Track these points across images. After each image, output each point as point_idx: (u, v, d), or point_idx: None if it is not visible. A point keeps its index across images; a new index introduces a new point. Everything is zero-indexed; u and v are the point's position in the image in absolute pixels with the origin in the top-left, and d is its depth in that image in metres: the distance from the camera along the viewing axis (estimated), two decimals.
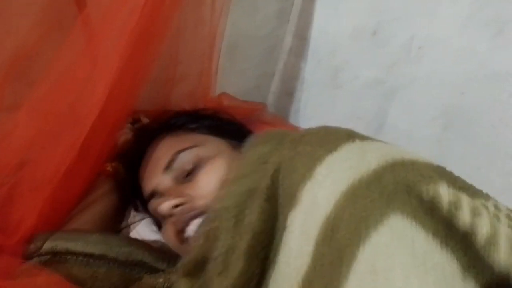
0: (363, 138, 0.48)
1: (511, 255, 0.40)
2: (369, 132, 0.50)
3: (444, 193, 0.43)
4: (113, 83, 0.52)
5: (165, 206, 0.53)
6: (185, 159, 0.57)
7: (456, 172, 0.55)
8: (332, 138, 0.47)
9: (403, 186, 0.43)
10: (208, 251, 0.46)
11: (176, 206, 0.53)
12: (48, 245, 0.51)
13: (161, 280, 0.51)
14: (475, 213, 0.42)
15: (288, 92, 0.93)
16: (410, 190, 0.43)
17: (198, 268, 0.47)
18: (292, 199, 0.44)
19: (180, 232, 0.53)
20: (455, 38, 0.71)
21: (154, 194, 0.59)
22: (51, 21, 0.51)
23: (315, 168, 0.44)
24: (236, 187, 0.48)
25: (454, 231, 0.41)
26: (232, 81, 0.83)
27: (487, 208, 0.44)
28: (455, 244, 0.40)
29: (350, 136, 0.47)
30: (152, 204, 0.59)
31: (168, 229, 0.55)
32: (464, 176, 0.54)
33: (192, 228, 0.52)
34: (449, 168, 0.53)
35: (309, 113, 0.98)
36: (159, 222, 0.61)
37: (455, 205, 0.42)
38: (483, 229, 0.40)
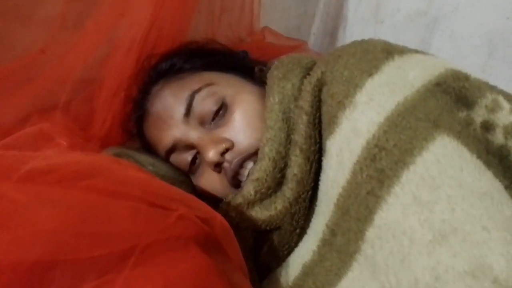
0: (401, 52, 0.43)
1: None
2: None
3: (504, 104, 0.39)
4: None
5: (214, 154, 0.46)
6: (204, 101, 0.49)
7: None
8: (370, 58, 0.42)
9: (451, 104, 0.39)
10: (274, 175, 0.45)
11: (225, 151, 0.47)
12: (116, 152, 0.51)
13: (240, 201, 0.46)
14: None
15: (329, 32, 0.92)
16: (459, 106, 0.40)
17: (269, 191, 0.45)
18: (330, 126, 0.42)
19: (234, 177, 0.48)
20: None
21: (175, 147, 0.51)
22: None
23: (355, 95, 0.40)
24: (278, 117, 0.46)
25: (490, 145, 0.39)
26: (273, 20, 0.85)
27: None
28: (492, 157, 0.38)
29: (388, 52, 0.42)
30: (177, 158, 0.52)
31: (215, 176, 0.49)
32: None
33: (246, 171, 0.47)
34: None
35: None
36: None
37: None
38: None
